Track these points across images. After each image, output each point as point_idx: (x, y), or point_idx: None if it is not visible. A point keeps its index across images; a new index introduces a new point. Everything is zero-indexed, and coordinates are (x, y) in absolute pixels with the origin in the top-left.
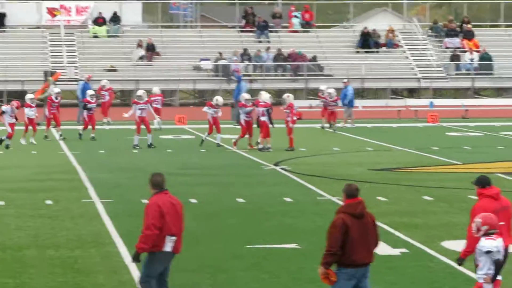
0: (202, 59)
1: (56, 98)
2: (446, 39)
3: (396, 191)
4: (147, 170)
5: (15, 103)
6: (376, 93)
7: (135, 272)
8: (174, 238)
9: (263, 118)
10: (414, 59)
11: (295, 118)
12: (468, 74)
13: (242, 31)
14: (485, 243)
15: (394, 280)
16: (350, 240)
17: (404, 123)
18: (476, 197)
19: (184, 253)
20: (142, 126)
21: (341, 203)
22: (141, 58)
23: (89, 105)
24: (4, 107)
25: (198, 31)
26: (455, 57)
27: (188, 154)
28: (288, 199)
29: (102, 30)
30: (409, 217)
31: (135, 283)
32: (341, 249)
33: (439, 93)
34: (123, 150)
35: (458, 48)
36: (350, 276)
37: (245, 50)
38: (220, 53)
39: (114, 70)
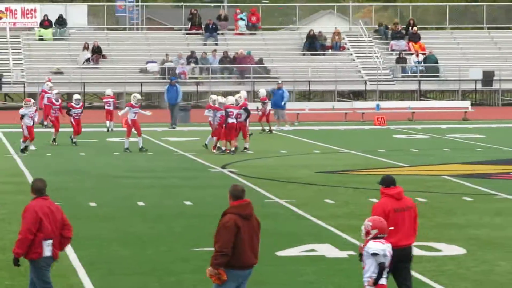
0: (148, 62)
1: (57, 101)
2: (392, 42)
3: (343, 194)
4: (94, 173)
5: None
6: (322, 96)
7: (83, 276)
8: (50, 241)
9: (238, 120)
10: (360, 62)
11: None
12: (414, 76)
13: (188, 34)
14: (372, 245)
15: (342, 282)
16: (239, 241)
17: (351, 126)
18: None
19: (131, 256)
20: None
21: (288, 205)
22: (87, 60)
23: (73, 110)
24: (22, 110)
25: (144, 33)
26: (401, 60)
27: (136, 157)
28: None
29: (48, 32)
30: (356, 219)
31: (83, 286)
32: (232, 250)
33: (385, 95)
34: (70, 153)
35: (404, 50)
36: (236, 277)
37: (192, 52)
38: (167, 56)
39: (60, 73)
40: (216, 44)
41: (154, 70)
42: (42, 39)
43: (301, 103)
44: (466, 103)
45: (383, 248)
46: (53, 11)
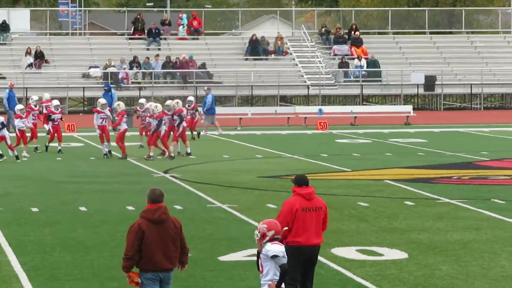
0: (91, 67)
1: (36, 106)
2: (335, 46)
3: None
4: (36, 179)
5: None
6: (265, 100)
7: (26, 282)
8: None
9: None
10: (303, 66)
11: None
12: (357, 81)
13: (131, 38)
14: (271, 248)
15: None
16: (146, 245)
17: (294, 130)
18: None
19: (74, 261)
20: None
21: (231, 210)
22: (29, 65)
23: (53, 116)
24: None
25: (86, 38)
26: (343, 64)
27: (78, 162)
28: (178, 207)
29: None
30: None
31: None
32: (139, 253)
33: (328, 100)
34: (12, 158)
35: (347, 55)
36: (152, 280)
37: (135, 57)
38: (109, 60)
39: (3, 78)
40: (159, 49)
41: (96, 75)
42: None
43: (244, 108)
44: (408, 108)
45: (282, 250)
46: None
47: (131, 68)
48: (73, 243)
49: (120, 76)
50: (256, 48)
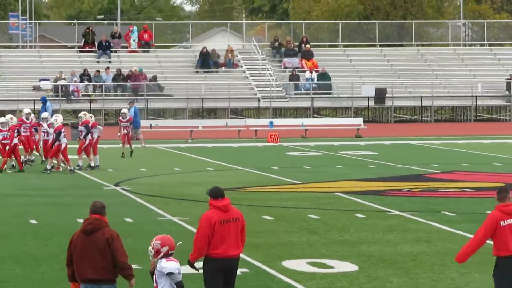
0: (41, 79)
1: (27, 119)
2: (285, 59)
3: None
4: None
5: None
6: (216, 113)
7: None
8: None
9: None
10: (253, 79)
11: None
12: (307, 93)
13: (81, 51)
14: (167, 265)
15: None
16: (76, 255)
17: (245, 143)
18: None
19: (24, 274)
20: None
21: (181, 223)
22: None
23: (25, 125)
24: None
25: (37, 51)
26: (294, 77)
27: (28, 175)
28: (128, 219)
29: None
30: (249, 236)
31: None
32: (71, 263)
33: (279, 113)
34: None
35: (297, 68)
36: None
37: (85, 70)
38: (60, 73)
39: None
40: (110, 62)
41: (47, 87)
42: None
43: (195, 121)
44: (359, 120)
45: (178, 267)
46: None
47: (81, 80)
48: (24, 256)
49: (70, 89)
50: (206, 61)
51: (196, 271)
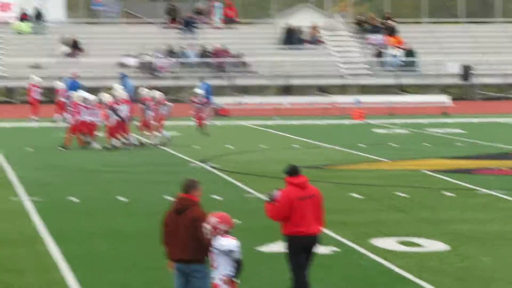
0: (126, 56)
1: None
2: (370, 36)
3: (324, 189)
4: (74, 168)
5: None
6: (302, 90)
7: (66, 271)
8: None
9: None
10: (339, 56)
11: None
12: (393, 70)
13: (165, 28)
14: (226, 242)
15: (325, 278)
16: (165, 234)
17: (331, 120)
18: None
19: (113, 250)
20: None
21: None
22: (65, 54)
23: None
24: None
25: (121, 27)
26: (379, 54)
27: (114, 152)
28: (216, 197)
29: (26, 26)
30: (338, 215)
31: (66, 281)
32: (165, 243)
33: (364, 90)
34: (50, 148)
35: (382, 44)
36: (176, 270)
37: (169, 46)
38: (144, 49)
39: (39, 67)
40: (194, 38)
41: (132, 64)
42: (20, 33)
43: (281, 98)
44: (446, 98)
45: (237, 244)
46: (30, 5)
47: (166, 57)
48: (113, 233)
49: (155, 66)
50: (291, 37)
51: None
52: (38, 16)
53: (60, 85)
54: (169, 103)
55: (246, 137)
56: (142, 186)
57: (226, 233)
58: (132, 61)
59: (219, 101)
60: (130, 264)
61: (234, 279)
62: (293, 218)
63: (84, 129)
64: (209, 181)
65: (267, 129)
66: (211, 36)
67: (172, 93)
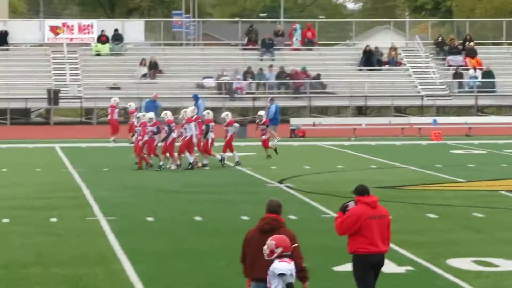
0: (205, 77)
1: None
2: (449, 57)
3: (400, 209)
4: (150, 188)
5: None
6: (379, 111)
7: None
8: None
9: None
10: (417, 77)
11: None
12: (471, 92)
13: (244, 49)
14: (278, 266)
15: None
16: (249, 254)
17: (408, 141)
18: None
19: (188, 270)
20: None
21: None
22: (144, 76)
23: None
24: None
25: (200, 49)
26: (457, 75)
27: (193, 172)
28: (292, 217)
29: (105, 48)
30: (413, 234)
31: None
32: (244, 261)
33: (442, 111)
34: (126, 168)
35: (461, 66)
36: None
37: (248, 68)
38: (223, 71)
39: (117, 88)
40: (273, 60)
41: (210, 85)
42: (99, 55)
43: (358, 118)
44: None
45: (290, 268)
46: (110, 27)
47: (245, 78)
48: (188, 253)
49: (234, 87)
50: (370, 59)
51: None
52: (117, 37)
53: (132, 106)
54: (236, 124)
55: (323, 157)
56: (218, 206)
57: (282, 256)
58: (210, 83)
59: (296, 121)
60: (205, 284)
61: None
62: (361, 237)
63: (151, 150)
64: (285, 201)
65: (344, 150)
66: (290, 57)
67: (250, 114)
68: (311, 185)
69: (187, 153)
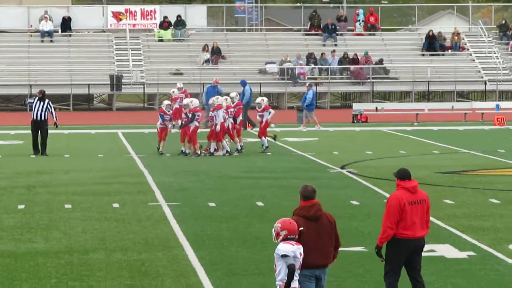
0: (267, 63)
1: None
2: None
3: (463, 194)
4: (211, 174)
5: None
6: (442, 96)
7: (203, 276)
8: None
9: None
10: (480, 62)
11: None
12: None
13: (307, 34)
14: (282, 247)
15: (462, 283)
16: (303, 243)
17: (470, 126)
18: None
19: (251, 256)
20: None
21: None
22: (206, 61)
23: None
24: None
25: (263, 34)
26: None
27: (255, 158)
28: (354, 202)
29: (167, 33)
30: (476, 220)
31: (202, 286)
32: None
33: (505, 95)
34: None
35: None
36: (308, 277)
37: (311, 53)
38: (286, 56)
39: (180, 74)
40: (335, 45)
41: (273, 70)
42: (161, 40)
43: (420, 104)
44: None
45: (293, 249)
46: (172, 12)
47: (307, 63)
48: (250, 238)
49: (296, 72)
50: (432, 44)
51: (381, 261)
52: (180, 23)
53: (176, 92)
54: (272, 110)
55: (385, 143)
56: (280, 192)
57: (287, 239)
58: (273, 68)
59: (359, 107)
60: (268, 270)
61: (288, 284)
62: (401, 222)
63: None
64: (347, 187)
65: (407, 135)
66: (353, 42)
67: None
68: (373, 170)
69: (224, 142)
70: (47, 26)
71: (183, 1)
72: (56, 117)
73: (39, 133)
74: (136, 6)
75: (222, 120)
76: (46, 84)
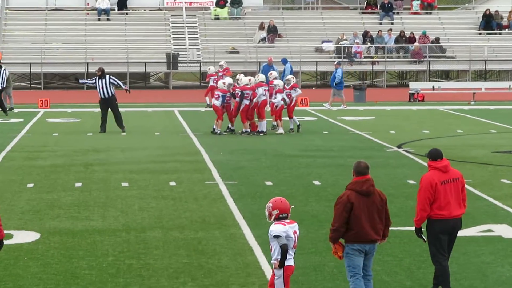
0: (324, 41)
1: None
2: None
3: None
4: (268, 152)
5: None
6: (499, 75)
7: (260, 254)
8: None
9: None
10: None
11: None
12: None
13: (364, 13)
14: (274, 228)
15: None
16: (354, 217)
17: None
18: None
19: (307, 235)
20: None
21: (465, 185)
22: (262, 40)
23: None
24: None
25: (319, 13)
26: None
27: (310, 136)
28: (411, 181)
29: (223, 12)
30: None
31: (259, 264)
32: (346, 225)
33: None
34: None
35: None
36: (358, 251)
37: (367, 32)
38: (342, 35)
39: (236, 52)
40: (392, 24)
41: (329, 49)
42: (217, 19)
43: (477, 83)
44: None
45: (285, 229)
46: None
47: (364, 42)
48: (307, 217)
49: (353, 51)
50: (489, 23)
51: (423, 241)
52: (236, 1)
53: (212, 70)
54: (298, 89)
55: (442, 122)
56: (336, 170)
57: (279, 218)
58: (329, 46)
59: (415, 86)
60: (324, 248)
61: (281, 264)
62: (436, 202)
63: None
64: (404, 166)
65: (464, 114)
66: (409, 21)
67: (369, 78)
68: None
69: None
70: (103, 4)
71: None
72: (122, 85)
73: (109, 110)
74: None
75: (264, 98)
76: (103, 62)
